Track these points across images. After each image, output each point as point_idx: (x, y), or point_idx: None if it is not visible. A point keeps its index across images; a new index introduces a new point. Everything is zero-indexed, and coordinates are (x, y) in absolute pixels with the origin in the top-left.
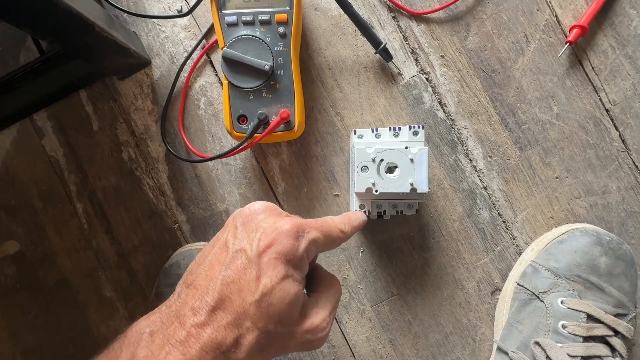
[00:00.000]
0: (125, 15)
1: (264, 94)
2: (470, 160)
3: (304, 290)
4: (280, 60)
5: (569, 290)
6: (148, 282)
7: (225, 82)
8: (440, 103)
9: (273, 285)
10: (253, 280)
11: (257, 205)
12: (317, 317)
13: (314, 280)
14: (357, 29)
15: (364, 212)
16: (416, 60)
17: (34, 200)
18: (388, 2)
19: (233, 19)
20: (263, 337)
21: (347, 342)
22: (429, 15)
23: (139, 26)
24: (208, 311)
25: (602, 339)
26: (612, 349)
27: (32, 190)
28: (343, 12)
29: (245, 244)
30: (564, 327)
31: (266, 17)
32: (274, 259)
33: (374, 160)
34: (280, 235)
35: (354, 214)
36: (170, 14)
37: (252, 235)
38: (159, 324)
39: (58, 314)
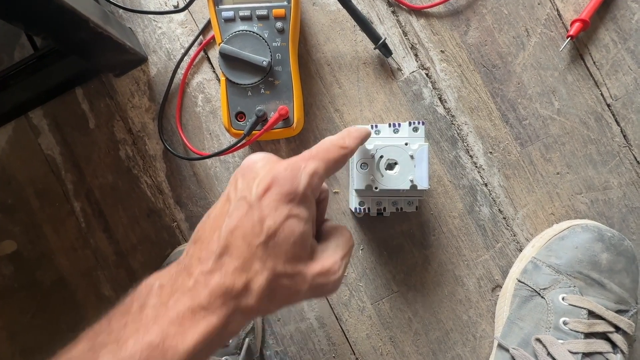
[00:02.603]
0: (120, 10)
1: (262, 91)
2: (470, 156)
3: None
4: (278, 56)
5: (570, 286)
6: None
7: (222, 79)
8: (440, 99)
9: (277, 226)
10: (256, 224)
11: (255, 156)
12: (328, 260)
13: (324, 233)
14: (356, 24)
15: (364, 209)
16: (416, 55)
17: (31, 199)
18: None
19: (230, 14)
20: (273, 280)
21: (348, 340)
22: (428, 9)
23: (134, 22)
24: (214, 259)
25: (603, 335)
26: (613, 345)
27: (29, 189)
28: (342, 7)
29: (245, 191)
30: (565, 323)
31: (264, 12)
32: (275, 201)
33: (373, 156)
34: (277, 177)
35: (354, 128)
36: (167, 9)
37: (250, 183)
38: (168, 278)
39: (56, 314)
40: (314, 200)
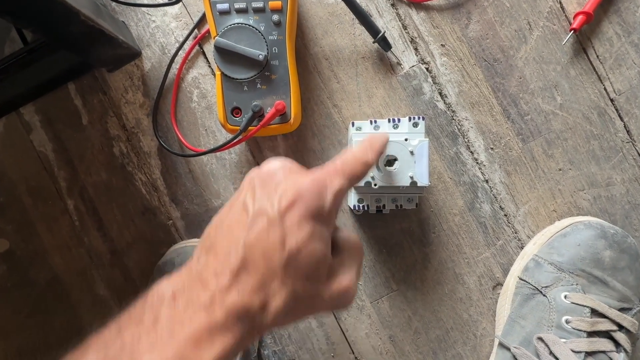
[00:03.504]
0: (113, 3)
1: (259, 85)
2: (471, 152)
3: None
4: (274, 50)
5: (572, 284)
6: (142, 279)
7: (218, 73)
8: (440, 94)
9: (299, 246)
10: (277, 243)
11: (275, 163)
12: (345, 279)
13: (335, 241)
14: (354, 17)
15: (363, 206)
16: (416, 49)
17: (23, 197)
18: None
19: (225, 6)
20: (291, 299)
21: (347, 339)
22: (428, 2)
23: (128, 15)
24: (232, 275)
25: (606, 334)
26: (617, 343)
27: (21, 186)
28: (340, 0)
29: (266, 204)
30: (567, 322)
31: (260, 4)
32: (298, 218)
33: None
34: (302, 193)
35: (373, 137)
36: (160, 2)
37: (272, 195)
38: (181, 286)
39: (50, 313)
40: (335, 218)
